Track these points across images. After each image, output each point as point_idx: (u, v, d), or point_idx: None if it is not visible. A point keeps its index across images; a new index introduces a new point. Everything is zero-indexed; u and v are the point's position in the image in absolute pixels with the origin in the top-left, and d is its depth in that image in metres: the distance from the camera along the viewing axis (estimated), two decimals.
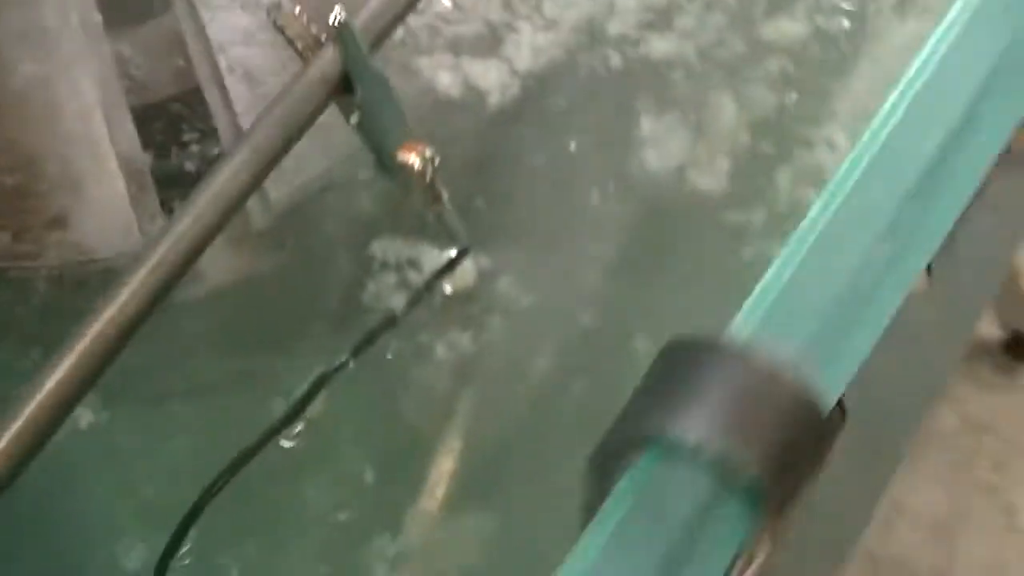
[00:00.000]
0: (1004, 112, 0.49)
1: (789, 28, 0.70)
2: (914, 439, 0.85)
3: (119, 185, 0.70)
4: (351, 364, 0.61)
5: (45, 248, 0.69)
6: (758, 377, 0.42)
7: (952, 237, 0.48)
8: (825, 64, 0.68)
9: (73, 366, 0.46)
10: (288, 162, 0.66)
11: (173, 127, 0.75)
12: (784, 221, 0.64)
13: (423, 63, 0.75)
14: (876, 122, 0.47)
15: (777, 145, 0.66)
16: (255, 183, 0.51)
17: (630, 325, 0.61)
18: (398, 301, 0.64)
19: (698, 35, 0.71)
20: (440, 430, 0.59)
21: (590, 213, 0.66)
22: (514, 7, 0.72)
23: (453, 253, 0.64)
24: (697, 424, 0.41)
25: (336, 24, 0.52)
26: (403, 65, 0.72)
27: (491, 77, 0.71)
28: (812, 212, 0.45)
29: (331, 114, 0.57)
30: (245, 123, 0.70)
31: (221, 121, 0.73)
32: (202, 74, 0.74)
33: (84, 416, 0.62)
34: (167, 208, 0.71)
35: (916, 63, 0.48)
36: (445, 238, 0.63)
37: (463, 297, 0.64)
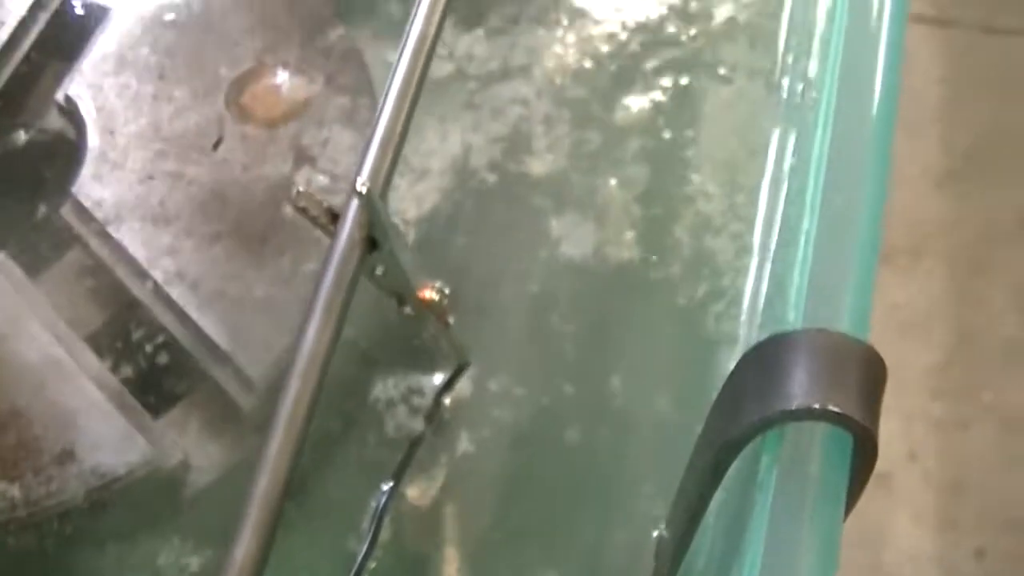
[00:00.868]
0: None
1: (634, 109, 0.84)
2: None
3: (106, 406, 0.77)
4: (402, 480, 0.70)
5: (65, 482, 0.75)
6: (836, 345, 0.55)
7: None
8: (675, 129, 0.83)
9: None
10: (256, 341, 0.75)
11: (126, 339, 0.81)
12: (698, 266, 0.78)
13: (309, 240, 0.85)
14: None
15: (665, 207, 0.81)
16: (335, 343, 0.60)
17: (608, 366, 0.74)
18: (416, 423, 0.74)
19: (559, 143, 0.85)
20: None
21: (534, 301, 0.78)
22: None
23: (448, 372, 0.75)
24: (809, 391, 0.54)
25: (361, 190, 0.62)
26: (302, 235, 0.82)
27: None
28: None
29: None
30: (203, 322, 0.78)
31: (175, 326, 0.81)
32: (139, 292, 0.82)
33: None
34: (153, 411, 0.78)
35: None
36: (442, 357, 0.74)
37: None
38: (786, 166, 0.76)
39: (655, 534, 0.70)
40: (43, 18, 0.94)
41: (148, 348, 0.79)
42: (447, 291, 0.67)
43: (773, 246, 0.72)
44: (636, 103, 0.83)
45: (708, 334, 0.74)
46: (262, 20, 0.90)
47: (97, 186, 0.84)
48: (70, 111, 0.88)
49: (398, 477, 0.70)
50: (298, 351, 0.59)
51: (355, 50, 0.89)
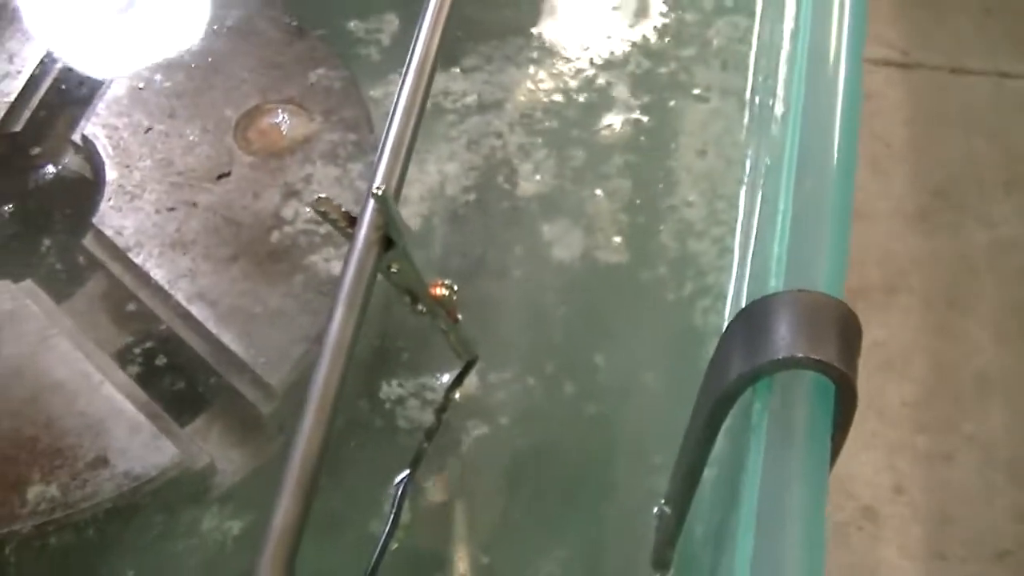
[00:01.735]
0: None
1: (616, 126, 0.92)
2: None
3: (134, 415, 0.83)
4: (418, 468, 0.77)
5: (99, 486, 0.81)
6: (815, 303, 0.62)
7: None
8: (654, 144, 0.91)
9: None
10: (273, 351, 0.82)
11: (150, 355, 0.87)
12: (682, 267, 0.85)
13: (315, 258, 0.92)
14: None
15: (649, 215, 0.88)
16: (358, 333, 0.66)
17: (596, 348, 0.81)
18: (427, 415, 0.80)
19: (546, 162, 0.92)
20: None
21: (536, 297, 0.85)
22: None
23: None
24: (792, 343, 0.60)
25: (377, 192, 0.69)
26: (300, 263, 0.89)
27: None
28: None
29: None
30: (223, 336, 0.85)
31: (196, 340, 0.87)
32: (161, 312, 0.88)
33: None
34: (179, 419, 0.84)
35: None
36: (452, 352, 0.80)
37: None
38: (762, 171, 0.83)
39: (655, 510, 0.75)
40: (56, 67, 1.00)
41: (171, 362, 0.85)
42: (456, 288, 0.73)
43: (752, 241, 0.78)
44: (616, 118, 0.90)
45: (696, 326, 0.80)
46: (263, 61, 0.97)
47: (117, 216, 0.90)
48: (87, 149, 0.94)
49: (414, 465, 0.76)
50: (325, 341, 0.65)
51: (353, 86, 0.96)
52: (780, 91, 0.85)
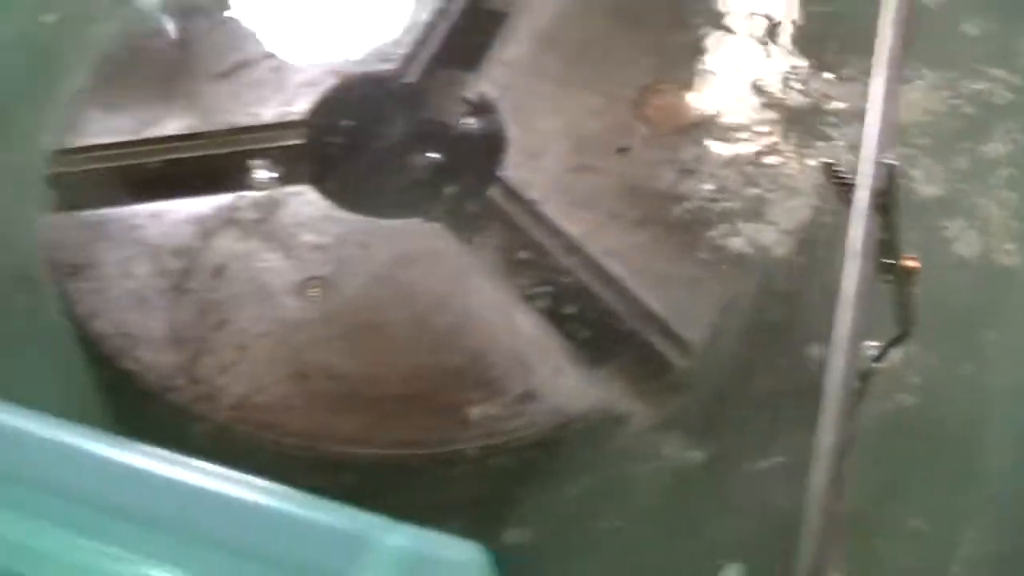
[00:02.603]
0: None
1: (998, 143, 0.98)
2: None
3: (556, 356, 0.87)
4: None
5: (532, 417, 0.85)
6: None
7: None
8: None
9: None
10: (688, 310, 0.87)
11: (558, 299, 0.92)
12: None
13: (714, 233, 0.97)
14: None
15: None
16: (869, 294, 0.72)
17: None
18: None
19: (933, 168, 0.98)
20: None
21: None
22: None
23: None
24: None
25: (886, 161, 0.74)
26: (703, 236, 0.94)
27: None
28: None
29: None
30: (637, 290, 0.90)
31: (607, 293, 0.92)
32: (570, 263, 0.93)
33: None
34: (593, 365, 0.89)
35: None
36: (897, 322, 0.85)
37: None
38: None
39: None
40: (444, 26, 1.05)
41: (581, 310, 0.89)
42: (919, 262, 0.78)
43: None
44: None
45: None
46: (653, 44, 1.03)
47: (522, 171, 0.95)
48: (482, 107, 0.99)
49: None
50: (840, 294, 0.70)
51: None
52: None
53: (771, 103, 0.98)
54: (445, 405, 0.83)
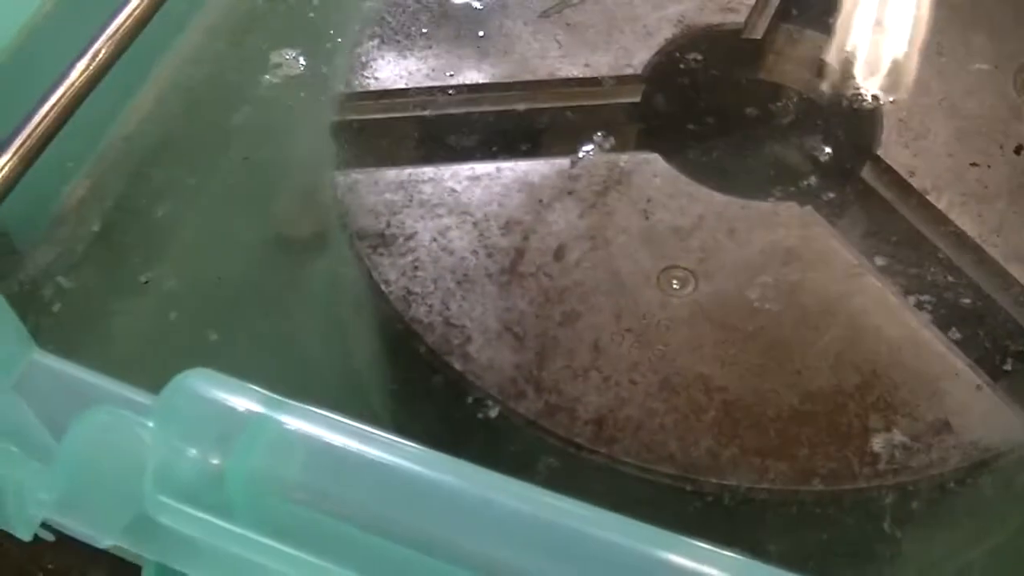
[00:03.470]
0: None
1: None
2: None
3: (970, 378, 0.72)
4: None
5: (945, 452, 0.71)
6: None
7: None
8: None
9: None
10: None
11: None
12: None
13: None
14: None
15: None
16: None
17: None
18: None
19: None
20: None
21: None
22: None
23: None
24: None
25: None
26: None
27: None
28: None
29: None
30: None
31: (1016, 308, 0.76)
32: (971, 269, 0.78)
33: None
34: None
35: None
36: None
37: None
38: None
39: None
40: None
41: (987, 323, 0.74)
42: None
43: None
44: None
45: None
46: None
47: (904, 153, 0.79)
48: (844, 72, 0.83)
49: None
50: None
51: None
52: None
53: None
54: (846, 433, 0.67)
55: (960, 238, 0.77)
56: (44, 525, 0.49)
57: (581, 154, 0.79)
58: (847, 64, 0.82)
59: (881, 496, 0.68)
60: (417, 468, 0.47)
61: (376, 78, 0.83)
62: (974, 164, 0.79)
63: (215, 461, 0.46)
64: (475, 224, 0.76)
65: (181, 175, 0.87)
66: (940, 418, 0.69)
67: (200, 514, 0.47)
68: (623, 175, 0.78)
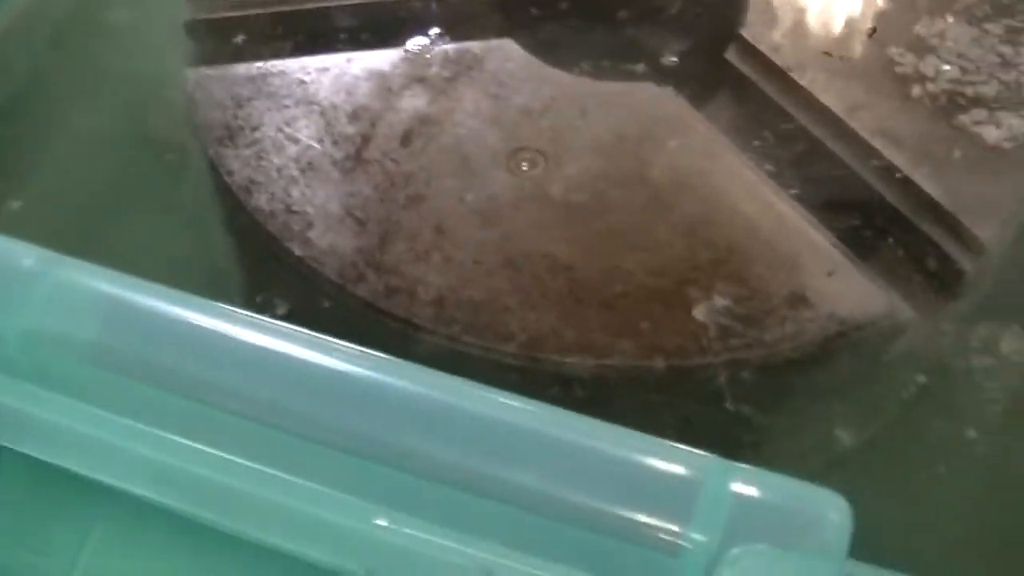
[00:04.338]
0: None
1: None
2: None
3: (829, 253, 0.70)
4: None
5: (801, 326, 0.68)
6: None
7: None
8: None
9: None
10: (978, 201, 0.70)
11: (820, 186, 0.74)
12: None
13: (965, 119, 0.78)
14: None
15: None
16: None
17: None
18: None
19: None
20: None
21: None
22: None
23: None
24: None
25: None
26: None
27: None
28: None
29: None
30: (916, 177, 0.74)
31: (878, 180, 0.74)
32: (835, 145, 0.75)
33: None
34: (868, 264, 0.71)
35: None
36: None
37: None
38: None
39: None
40: None
41: (845, 196, 0.72)
42: None
43: None
44: None
45: None
46: None
47: (768, 32, 0.77)
48: None
49: None
50: None
51: None
52: None
53: None
54: (696, 307, 0.64)
55: (823, 113, 0.73)
56: None
57: (432, 42, 0.76)
58: None
59: (736, 372, 0.65)
60: (187, 315, 0.45)
61: None
62: (842, 37, 0.76)
63: None
64: (322, 113, 0.74)
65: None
66: (796, 292, 0.67)
67: None
68: (475, 61, 0.76)
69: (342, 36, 0.77)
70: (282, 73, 0.75)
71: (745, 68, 0.76)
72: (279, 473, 0.42)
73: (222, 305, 0.46)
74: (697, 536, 0.40)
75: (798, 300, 0.67)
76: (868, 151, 0.72)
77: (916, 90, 0.75)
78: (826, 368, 0.67)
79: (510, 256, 0.66)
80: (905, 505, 0.71)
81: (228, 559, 0.49)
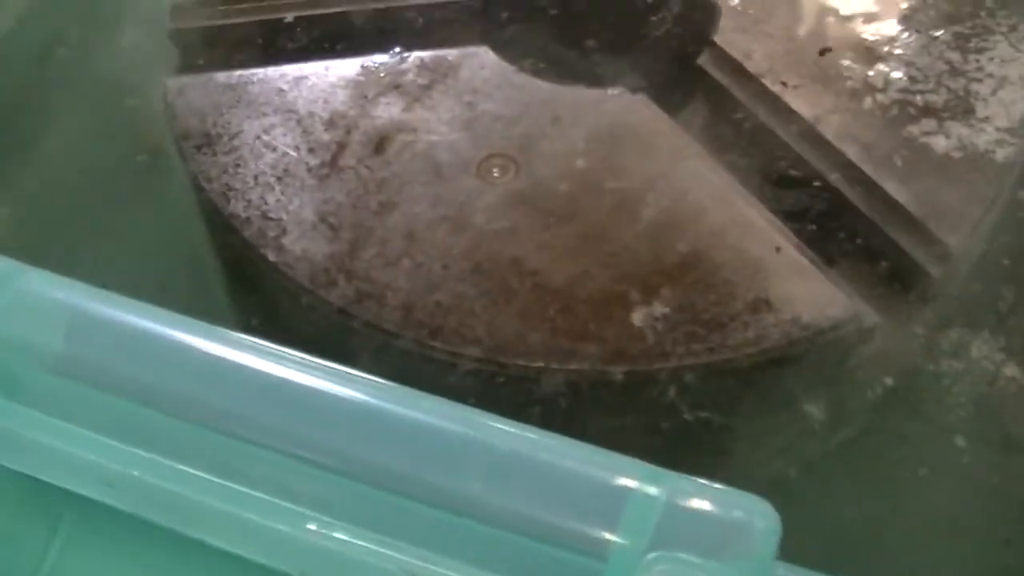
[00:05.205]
0: None
1: None
2: None
3: (795, 258, 0.70)
4: None
5: (764, 330, 0.69)
6: None
7: None
8: None
9: None
10: (947, 208, 0.72)
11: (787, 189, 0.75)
12: None
13: (914, 129, 0.78)
14: None
15: None
16: None
17: None
18: None
19: None
20: None
21: None
22: None
23: None
24: None
25: None
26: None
27: None
28: None
29: None
30: (885, 184, 0.74)
31: (845, 184, 0.74)
32: (800, 147, 0.75)
33: None
34: (835, 270, 0.72)
35: None
36: None
37: None
38: None
39: None
40: None
41: (814, 203, 0.72)
42: None
43: None
44: None
45: None
46: None
47: (741, 39, 0.77)
48: None
49: None
50: None
51: None
52: None
53: None
54: (659, 312, 0.65)
55: (794, 119, 0.74)
56: None
57: (409, 49, 0.77)
58: None
59: (700, 376, 0.66)
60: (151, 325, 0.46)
61: None
62: (814, 44, 0.77)
63: None
64: (299, 121, 0.75)
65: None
66: (761, 296, 0.68)
67: None
68: (450, 68, 0.77)
69: (322, 45, 0.79)
70: (261, 81, 0.77)
71: (718, 75, 0.76)
72: (218, 479, 0.43)
73: (180, 315, 0.47)
74: (624, 541, 0.40)
75: (763, 304, 0.67)
76: (836, 157, 0.73)
77: (879, 97, 0.75)
78: (790, 373, 0.68)
79: (477, 262, 0.67)
80: (871, 506, 0.72)
81: (196, 558, 0.50)
